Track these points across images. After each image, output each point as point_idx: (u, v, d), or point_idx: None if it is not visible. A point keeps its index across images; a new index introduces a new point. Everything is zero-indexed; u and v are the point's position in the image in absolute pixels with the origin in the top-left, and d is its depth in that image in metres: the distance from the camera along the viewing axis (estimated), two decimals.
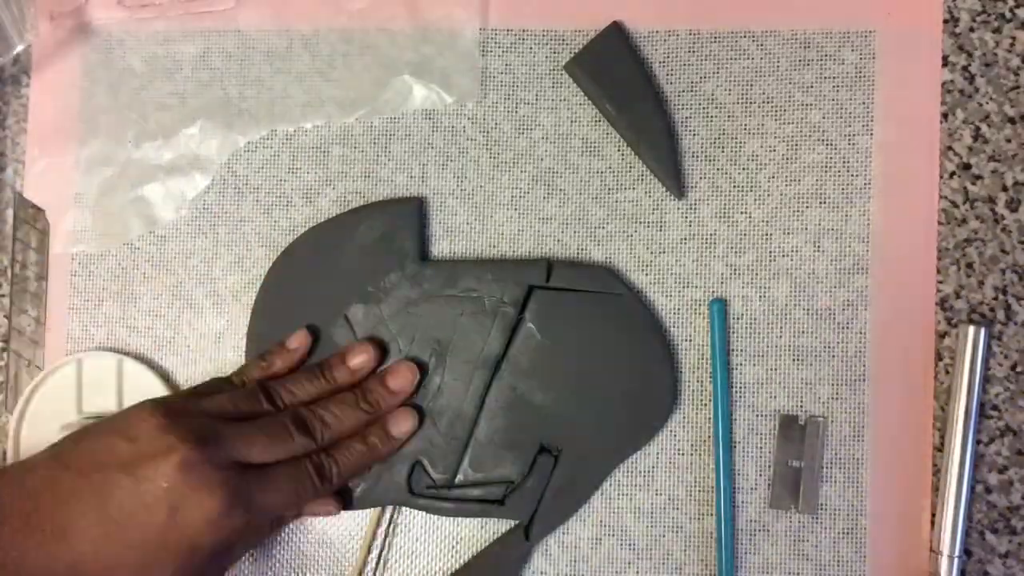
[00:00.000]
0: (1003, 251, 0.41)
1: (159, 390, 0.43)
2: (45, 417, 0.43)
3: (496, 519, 0.41)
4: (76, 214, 0.45)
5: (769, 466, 0.41)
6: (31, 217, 0.44)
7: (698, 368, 0.41)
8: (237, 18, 0.45)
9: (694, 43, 0.42)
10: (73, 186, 0.45)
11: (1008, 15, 0.42)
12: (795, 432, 0.40)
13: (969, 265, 0.41)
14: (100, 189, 0.45)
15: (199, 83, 0.45)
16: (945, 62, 0.42)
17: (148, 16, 0.45)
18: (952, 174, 0.41)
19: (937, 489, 0.40)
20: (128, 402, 0.43)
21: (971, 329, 0.39)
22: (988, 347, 0.40)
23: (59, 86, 0.45)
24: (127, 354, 0.44)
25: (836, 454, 0.41)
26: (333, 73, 0.44)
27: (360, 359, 0.40)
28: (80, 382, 0.44)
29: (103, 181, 0.45)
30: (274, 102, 0.44)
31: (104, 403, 0.43)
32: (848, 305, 0.41)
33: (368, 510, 0.42)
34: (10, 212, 0.45)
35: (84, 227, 0.45)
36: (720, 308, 0.41)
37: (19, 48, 0.44)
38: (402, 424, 0.40)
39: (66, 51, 0.46)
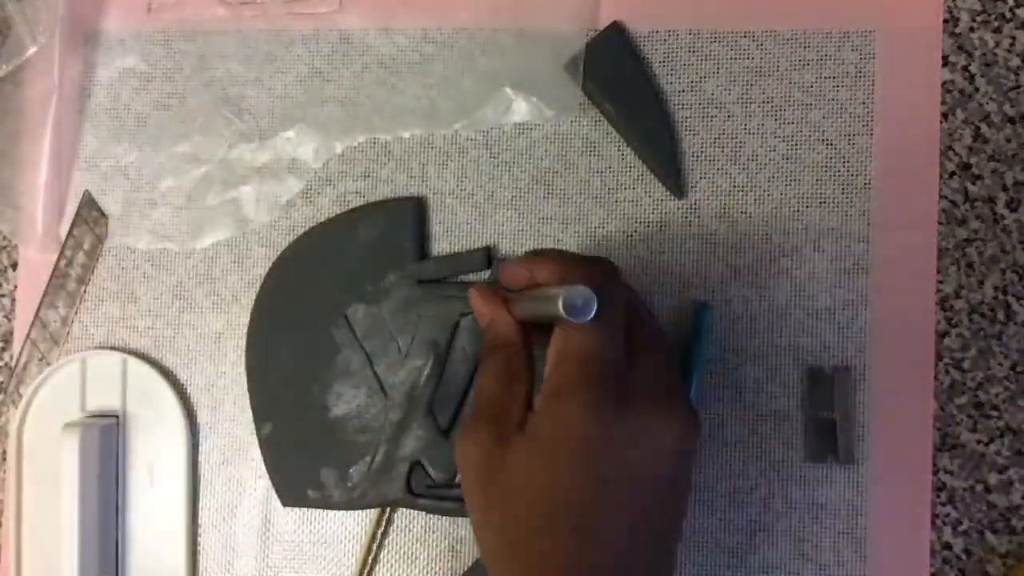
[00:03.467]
0: (1003, 251, 0.41)
1: (163, 390, 0.43)
2: (48, 415, 0.43)
3: None
4: (162, 211, 0.45)
5: (770, 464, 0.41)
6: (92, 219, 0.44)
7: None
8: (340, 21, 0.44)
9: (694, 43, 0.42)
10: (158, 183, 0.45)
11: (1008, 15, 0.42)
12: (824, 383, 0.40)
13: (969, 265, 0.41)
14: (191, 188, 0.45)
15: (298, 85, 0.44)
16: (945, 62, 0.42)
17: (249, 15, 0.45)
18: (952, 174, 0.41)
19: (937, 488, 0.40)
20: (131, 401, 0.43)
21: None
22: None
23: (147, 81, 0.45)
24: (131, 353, 0.44)
25: None
26: (434, 82, 0.44)
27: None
28: (84, 380, 0.44)
29: (194, 180, 0.45)
30: (375, 109, 0.44)
31: (107, 402, 0.44)
32: (848, 305, 0.41)
33: (368, 510, 0.42)
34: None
35: (170, 224, 0.45)
36: (703, 314, 0.41)
37: (31, 51, 0.44)
38: None
39: (154, 44, 0.45)
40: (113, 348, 0.44)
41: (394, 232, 0.42)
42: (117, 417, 0.43)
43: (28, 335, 0.44)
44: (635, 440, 0.28)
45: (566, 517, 0.28)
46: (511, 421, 0.29)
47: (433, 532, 0.42)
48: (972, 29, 0.42)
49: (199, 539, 0.43)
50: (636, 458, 0.28)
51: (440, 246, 0.43)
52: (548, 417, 0.29)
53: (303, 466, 0.42)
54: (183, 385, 0.44)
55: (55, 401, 0.44)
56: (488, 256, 0.42)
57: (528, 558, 0.28)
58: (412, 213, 0.42)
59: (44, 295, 0.45)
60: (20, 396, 0.44)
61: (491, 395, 0.30)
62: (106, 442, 0.43)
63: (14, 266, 0.46)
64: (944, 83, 0.41)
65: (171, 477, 0.43)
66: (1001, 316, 0.41)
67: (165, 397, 0.43)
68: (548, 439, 0.28)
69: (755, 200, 0.42)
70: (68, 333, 0.45)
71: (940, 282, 0.41)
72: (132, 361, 0.44)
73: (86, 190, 0.45)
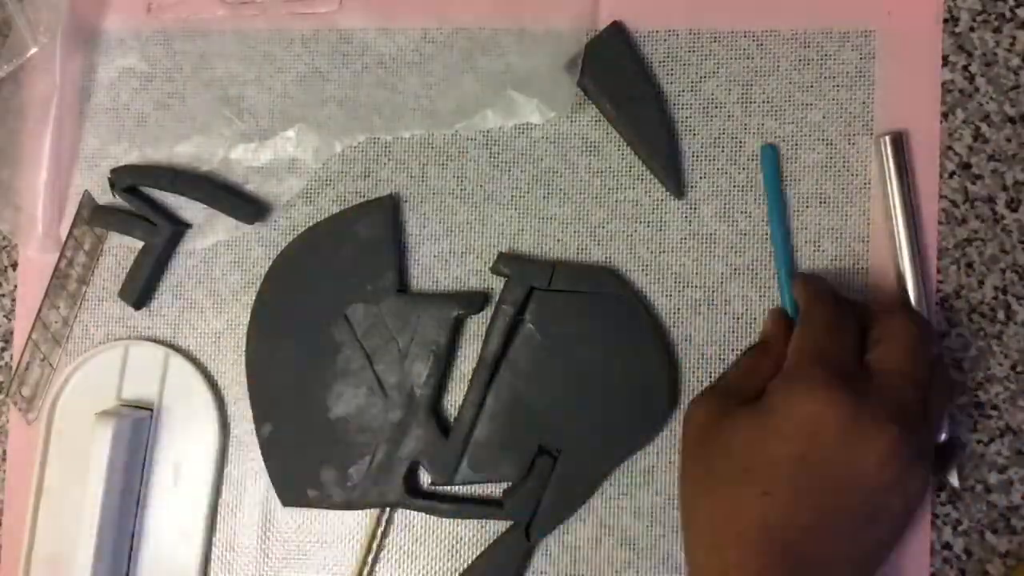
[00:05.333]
0: (1003, 251, 0.41)
1: (202, 391, 0.43)
2: (84, 396, 0.44)
3: (495, 520, 0.41)
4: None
5: None
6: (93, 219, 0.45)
7: (698, 368, 0.41)
8: (340, 21, 0.44)
9: (694, 43, 0.42)
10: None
11: (1008, 15, 0.42)
12: None
13: (969, 265, 0.41)
14: None
15: (298, 85, 0.44)
16: (945, 62, 0.42)
17: (249, 15, 0.45)
18: (952, 174, 0.41)
19: (937, 488, 0.40)
20: (168, 397, 0.44)
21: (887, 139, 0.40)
22: (905, 152, 0.40)
23: (147, 81, 0.45)
24: (176, 349, 0.44)
25: None
26: (434, 82, 0.43)
27: None
28: (124, 368, 0.44)
29: None
30: (375, 109, 0.44)
31: (144, 392, 0.44)
32: None
33: (368, 510, 0.42)
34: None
35: None
36: (772, 153, 0.41)
37: (32, 51, 0.44)
38: None
39: (154, 44, 0.45)
40: (158, 342, 0.44)
41: (381, 233, 0.42)
42: (151, 411, 0.44)
43: (30, 336, 0.44)
44: (844, 438, 0.31)
45: (759, 480, 0.31)
46: (741, 396, 0.34)
47: (433, 532, 0.42)
48: (972, 29, 0.42)
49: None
50: (839, 456, 0.31)
51: (440, 246, 0.43)
52: (773, 394, 0.33)
53: (303, 466, 0.42)
54: (223, 389, 0.44)
55: (92, 384, 0.44)
56: (485, 300, 0.42)
57: (715, 508, 0.32)
58: (388, 211, 0.42)
59: (45, 296, 0.45)
60: (21, 396, 0.44)
61: (733, 376, 0.36)
62: (137, 435, 0.43)
63: (14, 266, 0.46)
64: (944, 83, 0.41)
65: (196, 479, 0.43)
66: (1001, 316, 0.41)
67: (202, 398, 0.43)
68: (766, 412, 0.32)
69: (755, 200, 0.42)
70: (70, 333, 0.45)
71: (940, 282, 0.41)
72: (174, 357, 0.44)
73: (86, 190, 0.45)
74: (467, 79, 0.43)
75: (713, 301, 0.42)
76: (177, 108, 0.45)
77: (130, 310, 0.44)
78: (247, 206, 0.43)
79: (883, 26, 0.42)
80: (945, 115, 0.41)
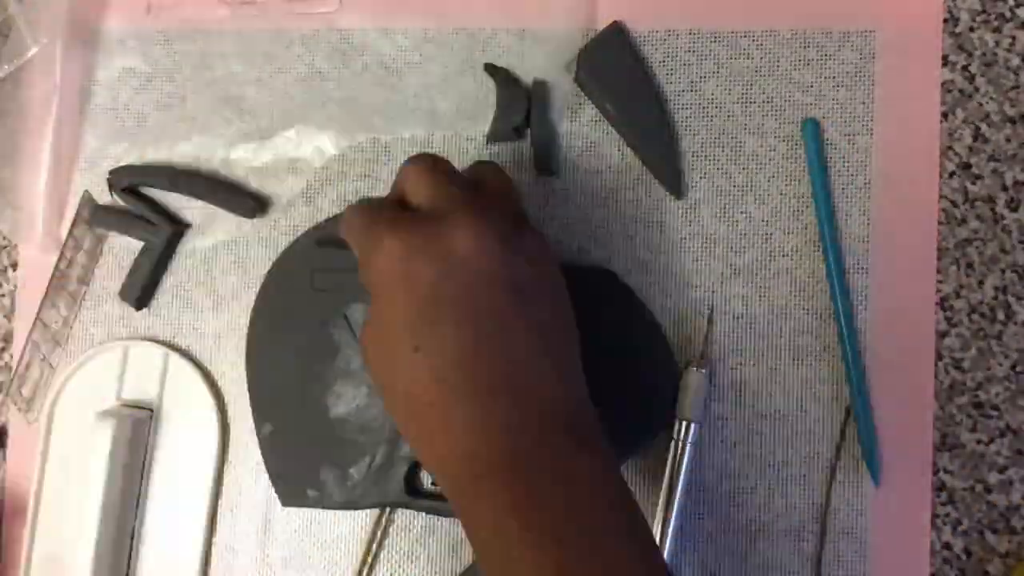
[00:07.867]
0: (1003, 251, 0.41)
1: (201, 390, 0.43)
2: (83, 396, 0.44)
3: None
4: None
5: (770, 465, 0.41)
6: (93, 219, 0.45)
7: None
8: (340, 21, 0.44)
9: (694, 43, 0.42)
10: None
11: (1008, 15, 0.42)
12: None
13: (969, 265, 0.41)
14: None
15: (298, 85, 0.44)
16: (945, 62, 0.42)
17: (249, 15, 0.45)
18: (952, 174, 0.41)
19: (937, 488, 0.40)
20: (168, 397, 0.44)
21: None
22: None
23: (147, 81, 0.45)
24: (175, 349, 0.44)
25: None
26: (434, 82, 0.43)
27: None
28: (124, 368, 0.44)
29: None
30: (375, 109, 0.44)
31: (144, 392, 0.44)
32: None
33: (368, 510, 0.42)
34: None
35: None
36: (814, 128, 0.41)
37: (33, 51, 0.44)
38: None
39: (154, 44, 0.45)
40: (158, 342, 0.44)
41: None
42: (151, 411, 0.44)
43: (30, 336, 0.44)
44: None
45: None
46: None
47: (433, 532, 0.42)
48: (972, 29, 0.42)
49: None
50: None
51: None
52: None
53: (303, 466, 0.42)
54: (224, 390, 0.44)
55: (92, 384, 0.44)
56: None
57: None
58: None
59: (45, 296, 0.45)
60: (21, 396, 0.44)
61: None
62: (137, 435, 0.43)
63: (14, 266, 0.46)
64: (944, 83, 0.41)
65: (196, 479, 0.43)
66: (1001, 316, 0.41)
67: (202, 398, 0.43)
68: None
69: (755, 200, 0.42)
70: (70, 333, 0.45)
71: (940, 282, 0.41)
72: (174, 357, 0.44)
73: (86, 190, 0.45)
74: (467, 79, 0.43)
75: (713, 301, 0.42)
76: (177, 108, 0.45)
77: (130, 310, 0.44)
78: (247, 200, 0.43)
79: (883, 26, 0.42)
80: (945, 115, 0.41)
